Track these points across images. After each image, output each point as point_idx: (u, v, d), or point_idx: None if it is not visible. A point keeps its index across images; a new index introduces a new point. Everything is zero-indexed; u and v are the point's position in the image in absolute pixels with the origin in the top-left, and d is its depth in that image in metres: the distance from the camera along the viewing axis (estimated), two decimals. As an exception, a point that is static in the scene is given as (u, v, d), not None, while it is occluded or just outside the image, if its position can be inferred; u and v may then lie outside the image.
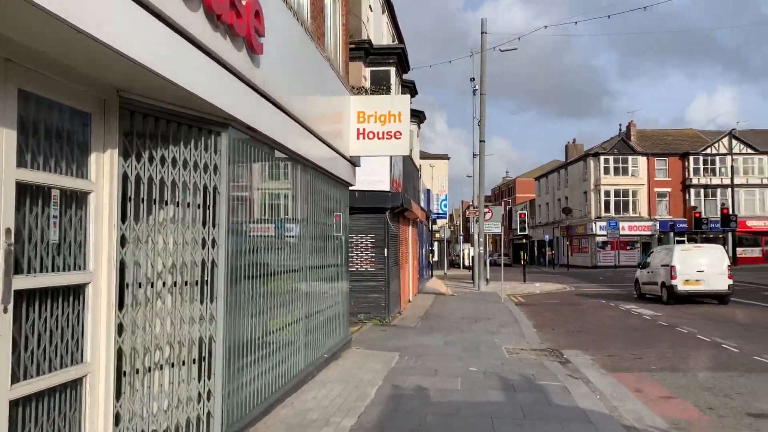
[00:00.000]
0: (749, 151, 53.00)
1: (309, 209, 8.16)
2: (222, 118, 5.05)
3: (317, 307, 8.48)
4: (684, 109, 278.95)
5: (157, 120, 4.65)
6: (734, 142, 52.55)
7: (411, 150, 23.35)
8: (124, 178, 4.41)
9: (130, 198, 4.44)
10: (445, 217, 36.07)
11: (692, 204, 52.10)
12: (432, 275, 34.03)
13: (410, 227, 20.07)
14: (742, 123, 60.41)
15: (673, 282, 19.04)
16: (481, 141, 25.78)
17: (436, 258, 51.04)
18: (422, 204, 25.60)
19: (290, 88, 6.71)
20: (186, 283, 4.92)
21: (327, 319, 9.01)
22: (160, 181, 4.69)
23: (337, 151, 9.26)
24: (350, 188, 13.76)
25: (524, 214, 31.54)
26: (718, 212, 51.09)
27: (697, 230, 36.90)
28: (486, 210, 27.00)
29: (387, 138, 9.81)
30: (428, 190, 28.09)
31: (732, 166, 48.48)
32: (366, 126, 9.86)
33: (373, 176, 13.79)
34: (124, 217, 4.41)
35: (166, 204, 4.77)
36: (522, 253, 35.20)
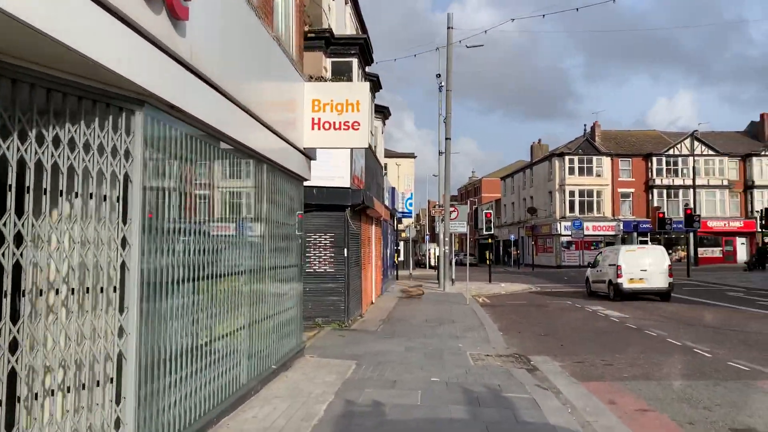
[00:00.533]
0: (710, 152, 53.75)
1: (256, 205, 7.37)
2: (135, 93, 4.24)
3: (265, 313, 7.69)
4: (646, 111, 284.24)
5: (50, 92, 3.81)
6: (696, 143, 53.24)
7: (375, 147, 22.60)
8: (3, 162, 3.57)
9: (10, 187, 3.59)
10: (411, 216, 35.43)
11: (655, 204, 52.65)
12: (397, 276, 33.38)
13: (373, 226, 19.34)
14: (703, 125, 61.27)
15: (619, 280, 20.24)
16: (446, 138, 25.20)
17: (402, 258, 50.54)
18: (387, 202, 24.92)
19: (228, 66, 5.90)
20: (88, 290, 4.09)
21: (276, 326, 8.23)
22: (53, 167, 3.85)
23: (289, 142, 8.48)
24: (307, 184, 12.96)
25: (490, 213, 31.08)
26: (681, 212, 51.81)
27: (660, 230, 37.08)
28: (452, 209, 26.45)
29: (344, 129, 9.06)
30: (393, 188, 27.41)
31: (694, 167, 49.01)
32: (321, 115, 9.09)
33: (333, 171, 13.02)
34: (2, 211, 3.57)
35: (62, 194, 3.93)
36: (488, 253, 34.85)
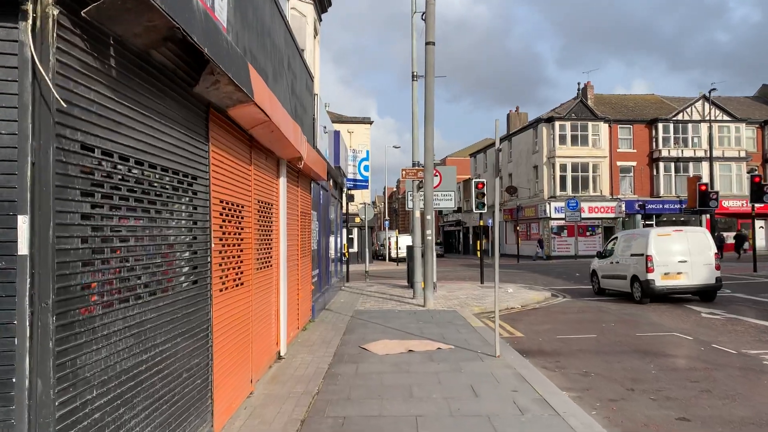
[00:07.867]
0: (725, 118, 44.74)
1: None
2: None
3: None
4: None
5: None
6: (708, 107, 44.00)
7: (303, 50, 11.83)
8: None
9: None
10: (367, 186, 24.52)
11: (662, 179, 43.49)
12: (347, 276, 22.65)
13: (282, 180, 8.56)
14: (716, 84, 52.44)
15: (650, 276, 15.36)
16: (428, 43, 14.57)
17: (355, 249, 39.93)
18: (325, 152, 14.17)
19: None
20: None
21: None
22: None
23: None
24: None
25: (482, 184, 20.78)
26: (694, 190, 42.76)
27: (702, 208, 27.53)
28: (433, 173, 15.93)
29: None
30: (338, 133, 16.63)
31: (710, 135, 39.90)
32: None
33: None
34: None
35: None
36: (479, 242, 24.43)
